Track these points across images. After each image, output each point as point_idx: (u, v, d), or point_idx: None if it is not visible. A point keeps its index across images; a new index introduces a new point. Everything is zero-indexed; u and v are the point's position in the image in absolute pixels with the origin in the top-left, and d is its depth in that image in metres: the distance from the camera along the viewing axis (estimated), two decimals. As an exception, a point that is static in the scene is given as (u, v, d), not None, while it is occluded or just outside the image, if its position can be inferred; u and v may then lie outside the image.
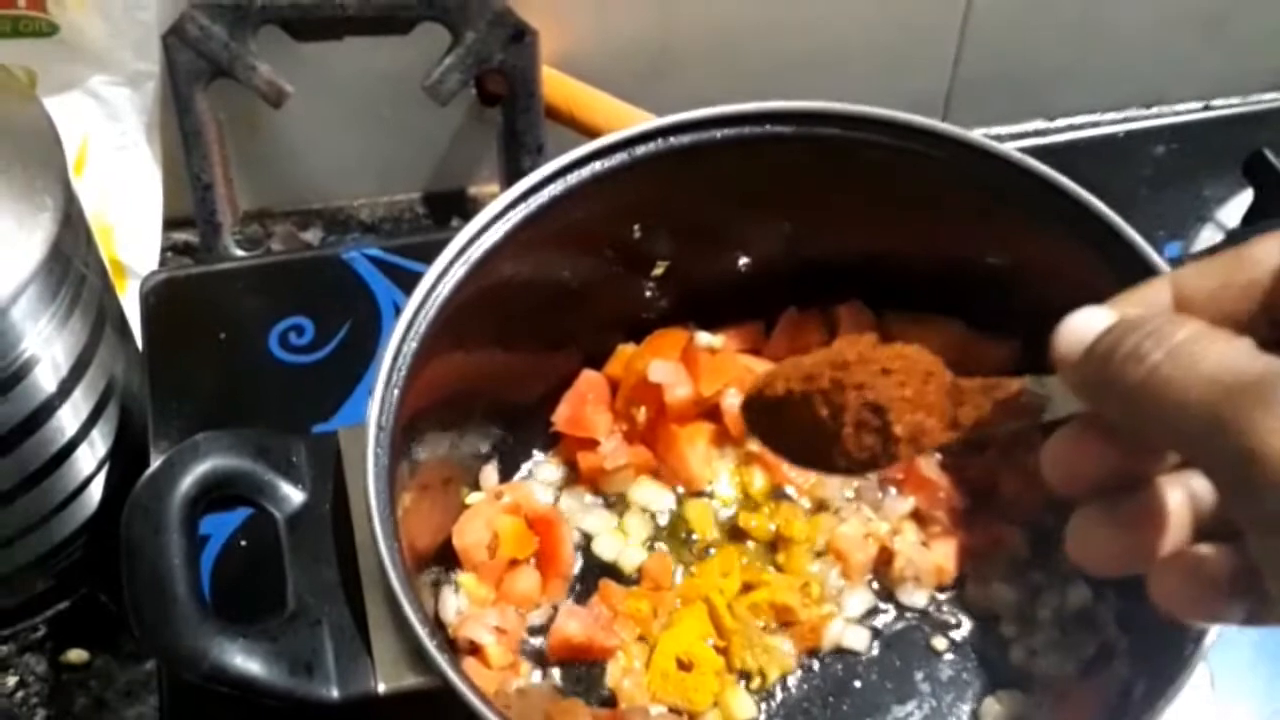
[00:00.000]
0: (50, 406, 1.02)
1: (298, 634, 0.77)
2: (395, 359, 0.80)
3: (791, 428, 0.62)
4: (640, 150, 0.87)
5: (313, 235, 1.31)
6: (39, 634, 1.13)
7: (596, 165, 0.87)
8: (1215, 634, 0.74)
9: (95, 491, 1.10)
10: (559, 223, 0.87)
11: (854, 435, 0.60)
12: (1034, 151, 0.89)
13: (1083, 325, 0.53)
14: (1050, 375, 0.57)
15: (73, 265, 1.00)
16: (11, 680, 1.12)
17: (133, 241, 1.22)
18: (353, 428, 0.82)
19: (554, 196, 0.86)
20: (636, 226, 0.93)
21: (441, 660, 0.73)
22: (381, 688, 0.76)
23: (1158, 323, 0.50)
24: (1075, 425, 0.56)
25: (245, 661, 0.74)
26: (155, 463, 0.80)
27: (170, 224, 1.27)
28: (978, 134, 0.89)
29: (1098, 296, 0.87)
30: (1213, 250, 0.94)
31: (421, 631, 0.73)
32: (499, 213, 0.85)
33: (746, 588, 0.94)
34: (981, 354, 0.97)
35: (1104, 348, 0.51)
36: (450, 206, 1.34)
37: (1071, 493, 0.56)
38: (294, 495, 0.82)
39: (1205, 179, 1.20)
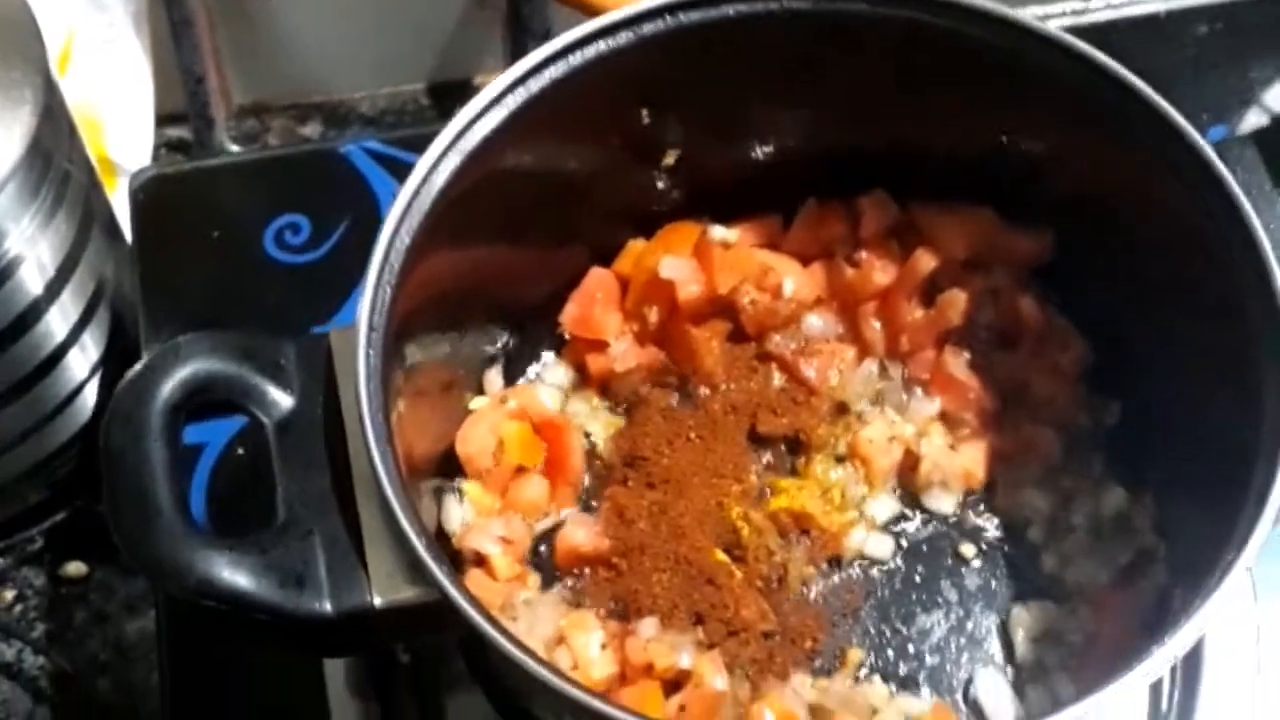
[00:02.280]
0: (37, 309, 0.99)
1: (288, 546, 0.73)
2: (386, 255, 0.76)
3: None
4: (647, 28, 0.82)
5: (311, 130, 1.27)
6: (36, 546, 1.11)
7: (601, 45, 0.82)
8: (1260, 539, 0.70)
9: (89, 398, 1.07)
10: (562, 107, 0.82)
11: None
12: (1071, 31, 0.84)
13: None
14: None
15: (55, 161, 0.97)
16: (9, 594, 1.10)
17: (123, 138, 1.18)
18: (344, 329, 0.78)
19: (555, 79, 0.81)
20: (645, 112, 0.88)
21: (438, 571, 0.69)
22: (377, 601, 0.73)
23: None
24: None
25: (232, 575, 0.71)
26: (137, 365, 0.76)
27: (163, 120, 1.23)
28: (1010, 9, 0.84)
29: (1138, 186, 0.84)
30: (1265, 132, 0.89)
31: (417, 541, 0.70)
32: (496, 96, 0.80)
33: (764, 494, 0.90)
34: (1012, 245, 0.92)
35: None
36: (455, 97, 1.29)
37: None
38: (283, 400, 0.77)
39: (1251, 60, 1.16)
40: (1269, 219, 0.81)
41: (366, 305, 0.74)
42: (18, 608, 1.09)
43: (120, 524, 0.72)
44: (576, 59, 0.82)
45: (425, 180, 0.78)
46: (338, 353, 0.78)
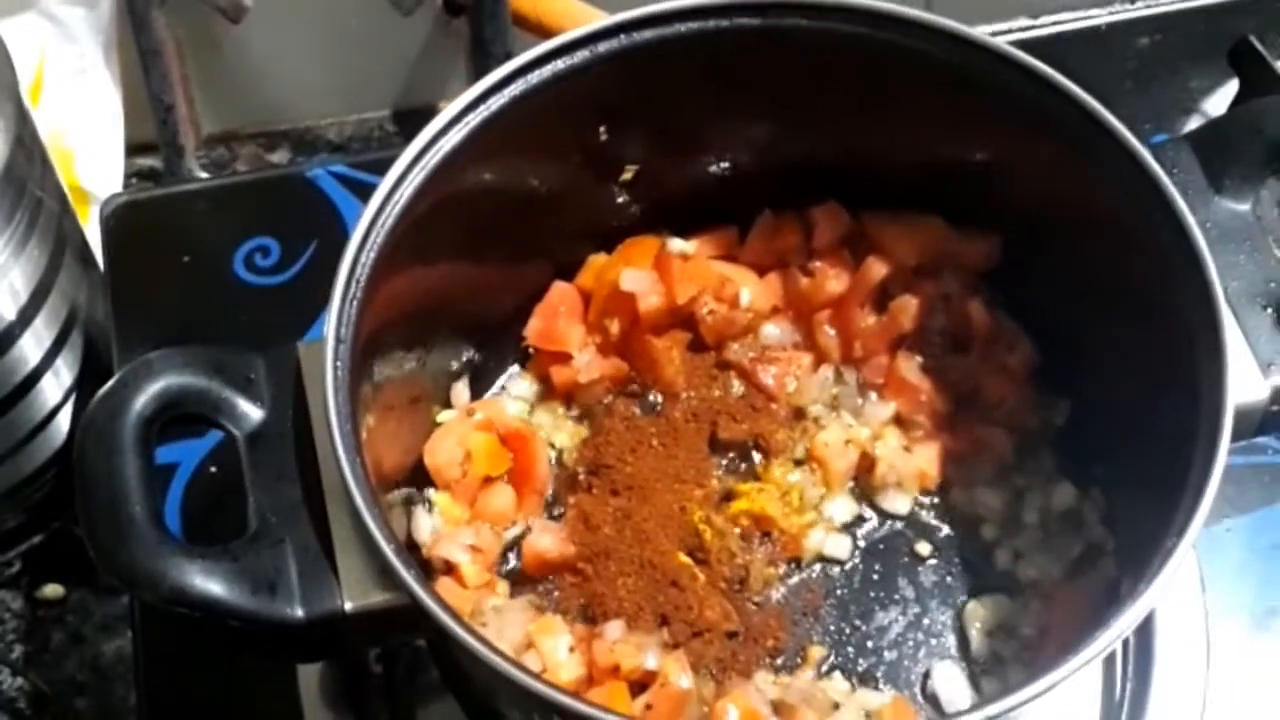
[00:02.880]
0: (11, 335, 1.01)
1: (260, 554, 0.75)
2: (353, 270, 0.78)
3: None
4: (602, 47, 0.84)
5: (280, 157, 1.29)
6: (13, 570, 1.12)
7: (558, 64, 0.84)
8: (1198, 525, 0.72)
9: (63, 422, 1.09)
10: (521, 125, 0.84)
11: None
12: (1019, 46, 0.86)
13: None
14: None
15: (27, 189, 0.98)
16: (-13, 616, 1.11)
17: (94, 167, 1.20)
18: (312, 343, 0.80)
19: (514, 97, 0.83)
20: (603, 129, 0.90)
21: (407, 576, 0.71)
22: (348, 606, 0.74)
23: None
24: None
25: (205, 582, 0.72)
26: (110, 381, 0.78)
27: (134, 149, 1.24)
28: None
29: (1081, 191, 0.87)
30: (1199, 133, 0.91)
31: (386, 546, 0.71)
32: (457, 115, 0.82)
33: (725, 498, 0.92)
34: (961, 251, 0.94)
35: None
36: (421, 123, 1.28)
37: None
38: (253, 413, 0.79)
39: (1190, 70, 1.18)
40: (1205, 218, 0.84)
41: (333, 319, 0.76)
42: (-5, 630, 1.10)
43: (94, 534, 0.73)
44: (534, 78, 0.84)
45: (389, 198, 0.80)
46: (306, 365, 0.80)
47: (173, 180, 1.19)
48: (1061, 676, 0.70)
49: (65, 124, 1.17)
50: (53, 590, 1.11)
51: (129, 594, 0.87)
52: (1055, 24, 1.32)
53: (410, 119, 1.31)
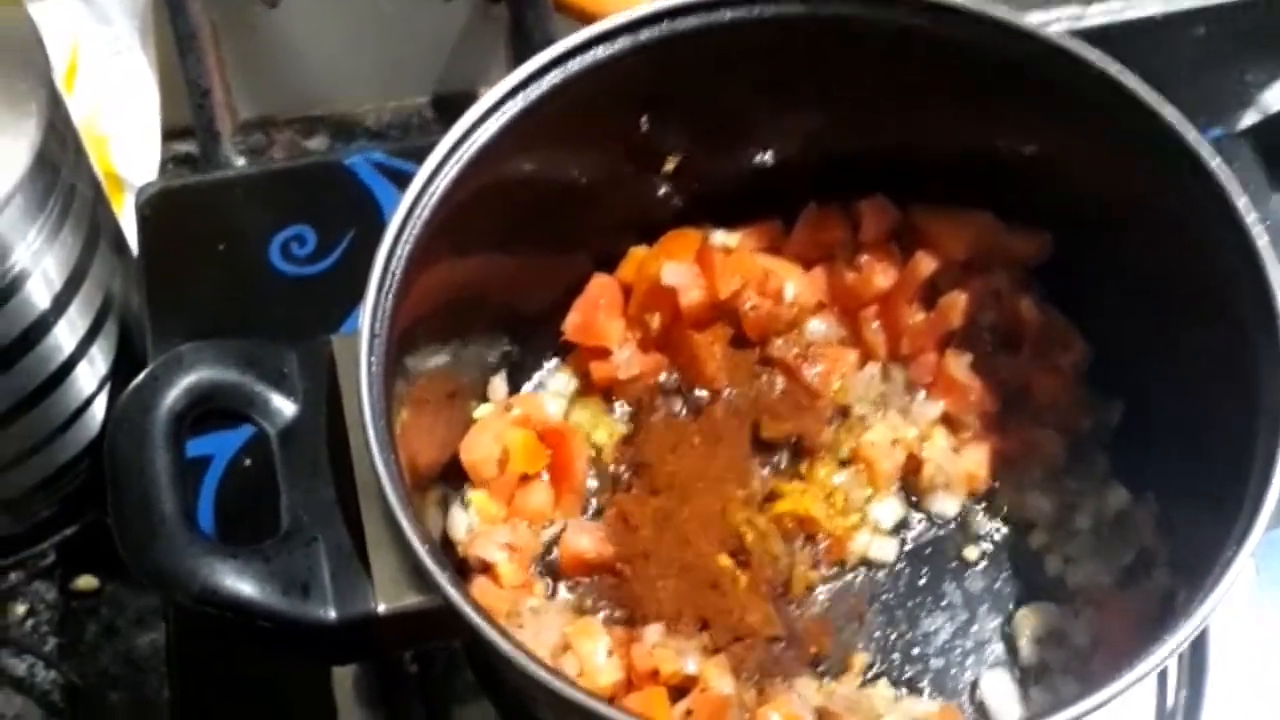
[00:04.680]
0: (45, 323, 1.00)
1: (292, 554, 0.73)
2: (388, 263, 0.76)
3: None
4: (645, 34, 0.82)
5: (317, 143, 1.27)
6: (48, 561, 1.11)
7: (599, 51, 0.82)
8: (1258, 534, 0.70)
9: (97, 412, 1.08)
10: (561, 114, 0.82)
11: None
12: (1069, 36, 0.84)
13: None
14: None
15: (61, 175, 0.97)
16: (21, 608, 1.10)
17: (129, 152, 1.18)
18: (346, 336, 0.78)
19: (554, 86, 0.81)
20: (645, 118, 0.88)
21: (442, 577, 0.69)
22: (381, 608, 0.73)
23: None
24: None
25: (237, 582, 0.71)
26: (141, 374, 0.77)
27: (169, 135, 1.23)
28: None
29: (1135, 186, 0.84)
30: (1259, 128, 0.89)
31: (420, 547, 0.70)
32: (495, 104, 0.80)
33: (768, 499, 0.90)
34: (1012, 246, 0.92)
35: None
36: (460, 109, 1.27)
37: None
38: (286, 408, 0.78)
39: (1247, 62, 1.15)
40: (1264, 216, 0.81)
41: (368, 312, 0.75)
42: (29, 622, 1.10)
43: (125, 532, 0.72)
44: (574, 66, 0.82)
45: (426, 188, 0.78)
46: (340, 359, 0.78)
47: (208, 167, 1.17)
48: (1116, 691, 0.68)
49: (100, 109, 1.16)
50: (86, 582, 1.11)
51: (159, 594, 0.86)
52: (1106, 13, 1.30)
53: (449, 105, 1.30)
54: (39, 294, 0.98)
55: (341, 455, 0.76)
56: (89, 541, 1.11)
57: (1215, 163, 0.78)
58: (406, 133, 1.29)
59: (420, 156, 1.08)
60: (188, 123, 1.21)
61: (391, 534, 0.72)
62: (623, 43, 0.82)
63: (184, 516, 0.72)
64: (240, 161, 1.19)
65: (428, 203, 0.78)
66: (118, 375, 1.08)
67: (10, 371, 0.99)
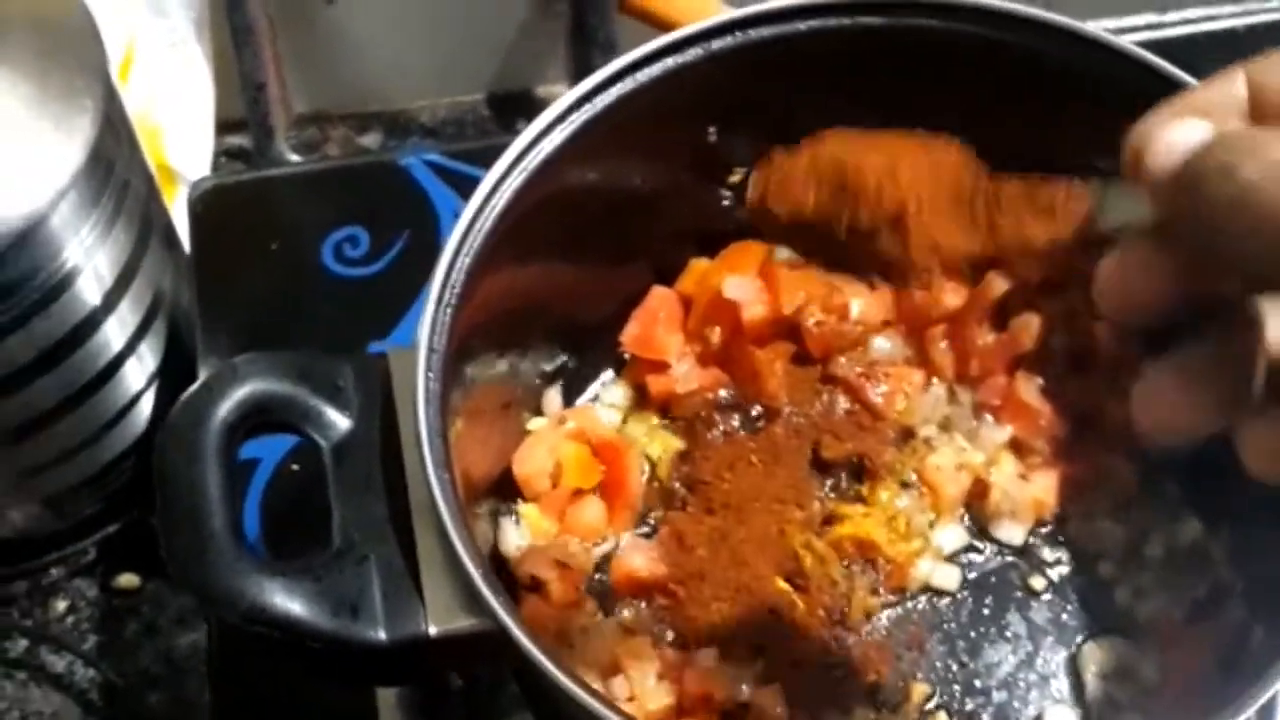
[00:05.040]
0: (95, 320, 0.98)
1: (343, 572, 0.71)
2: (448, 276, 0.74)
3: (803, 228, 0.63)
4: (717, 45, 0.80)
5: (371, 139, 1.26)
6: (89, 558, 1.10)
7: (669, 61, 0.80)
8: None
9: (145, 409, 1.07)
10: (627, 125, 0.80)
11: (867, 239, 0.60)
12: (1145, 47, 0.82)
13: (1181, 138, 0.50)
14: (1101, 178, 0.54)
15: (115, 170, 0.96)
16: (62, 605, 1.09)
17: (183, 145, 1.17)
18: (402, 349, 0.76)
19: (622, 96, 0.79)
20: (713, 129, 0.86)
21: (495, 602, 0.67)
22: (433, 630, 0.71)
23: (1255, 136, 0.49)
24: (1136, 244, 0.53)
25: (285, 601, 0.69)
26: (193, 386, 0.75)
27: (223, 127, 1.22)
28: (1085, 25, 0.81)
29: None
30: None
31: (474, 571, 0.68)
32: (562, 114, 0.78)
33: (826, 521, 0.88)
34: (1089, 265, 0.88)
35: (1199, 162, 0.49)
36: (516, 108, 1.28)
37: (1124, 318, 0.54)
38: (340, 422, 0.76)
39: (1332, 78, 1.11)
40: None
41: (427, 327, 0.73)
42: (69, 619, 1.08)
43: (172, 546, 0.70)
44: (643, 76, 0.80)
45: (488, 200, 0.76)
46: (396, 374, 0.76)
47: (262, 162, 1.16)
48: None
49: (154, 100, 1.15)
50: (128, 580, 1.09)
51: (204, 610, 0.84)
52: (1184, 22, 1.26)
53: (506, 104, 1.28)
54: (90, 291, 0.97)
55: (395, 472, 0.74)
56: (131, 539, 1.10)
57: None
58: (461, 130, 1.27)
59: (476, 157, 1.07)
60: (241, 115, 1.19)
61: (445, 555, 0.70)
62: (694, 53, 0.80)
63: (233, 533, 0.70)
64: (293, 157, 1.17)
65: (489, 215, 0.76)
66: (166, 372, 1.06)
67: (59, 368, 0.98)
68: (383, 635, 0.70)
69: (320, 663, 0.73)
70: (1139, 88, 0.80)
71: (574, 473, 0.88)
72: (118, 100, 0.99)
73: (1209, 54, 1.13)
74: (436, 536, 0.71)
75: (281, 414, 0.75)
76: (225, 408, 0.73)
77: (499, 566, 0.86)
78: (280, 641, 0.71)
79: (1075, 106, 0.83)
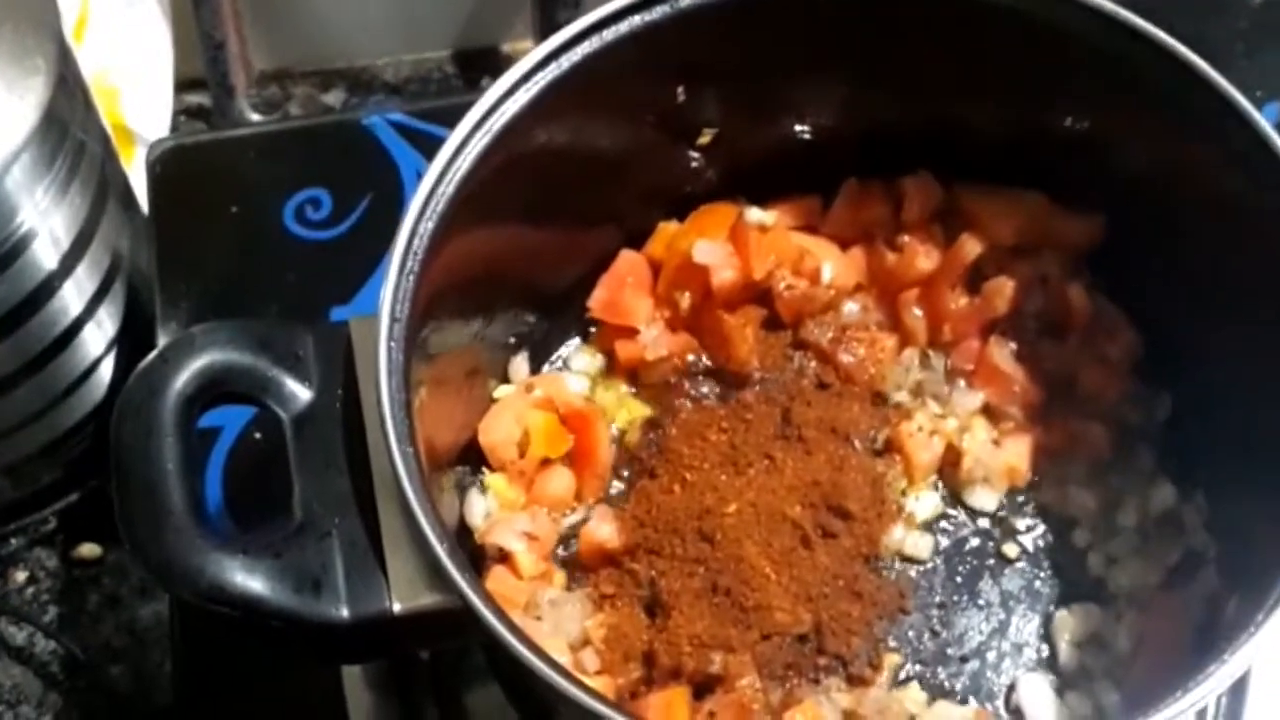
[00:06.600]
0: (51, 284, 0.97)
1: (304, 549, 0.70)
2: (410, 242, 0.72)
3: None
4: (684, 2, 0.78)
5: (334, 97, 1.23)
6: (49, 527, 1.09)
7: (635, 19, 0.78)
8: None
9: (104, 374, 1.05)
10: (594, 85, 0.79)
11: None
12: (1119, 3, 0.80)
13: None
14: None
15: (70, 131, 0.94)
16: (21, 575, 1.07)
17: (141, 105, 1.14)
18: (364, 318, 0.74)
19: (588, 55, 0.77)
20: (681, 89, 0.84)
21: (461, 579, 0.66)
22: (397, 607, 0.69)
23: None
24: None
25: (246, 580, 0.68)
26: (149, 356, 0.73)
27: (182, 85, 1.19)
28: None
29: (1191, 167, 0.80)
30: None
31: (439, 547, 0.66)
32: (525, 74, 0.76)
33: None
34: (1063, 230, 0.89)
35: None
36: (482, 65, 1.25)
37: None
38: (301, 393, 0.74)
39: (1309, 34, 1.10)
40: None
41: (389, 296, 0.71)
42: (29, 590, 1.07)
43: (129, 523, 0.69)
44: (609, 34, 0.78)
45: (450, 163, 0.74)
46: (358, 343, 0.75)
47: (222, 122, 1.14)
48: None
49: (111, 60, 1.12)
50: (89, 550, 1.08)
51: (164, 589, 0.83)
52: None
53: (471, 60, 1.25)
54: (46, 254, 0.95)
55: (358, 444, 0.73)
56: (91, 508, 1.09)
57: (1277, 139, 0.75)
58: (426, 87, 1.24)
59: (439, 117, 1.04)
60: (200, 74, 1.17)
61: (409, 531, 0.69)
62: (661, 10, 0.79)
63: (192, 509, 0.69)
64: (254, 116, 1.15)
65: (452, 178, 0.74)
66: (125, 338, 1.05)
67: (16, 334, 0.97)
68: (345, 613, 0.69)
69: (282, 640, 0.72)
70: (1112, 46, 0.80)
71: (542, 441, 0.86)
72: (72, 61, 0.97)
73: (1183, 8, 1.11)
74: (400, 511, 0.69)
75: (240, 385, 0.73)
76: (182, 379, 0.71)
77: (464, 539, 0.84)
78: (242, 620, 0.69)
79: (1046, 62, 0.83)
